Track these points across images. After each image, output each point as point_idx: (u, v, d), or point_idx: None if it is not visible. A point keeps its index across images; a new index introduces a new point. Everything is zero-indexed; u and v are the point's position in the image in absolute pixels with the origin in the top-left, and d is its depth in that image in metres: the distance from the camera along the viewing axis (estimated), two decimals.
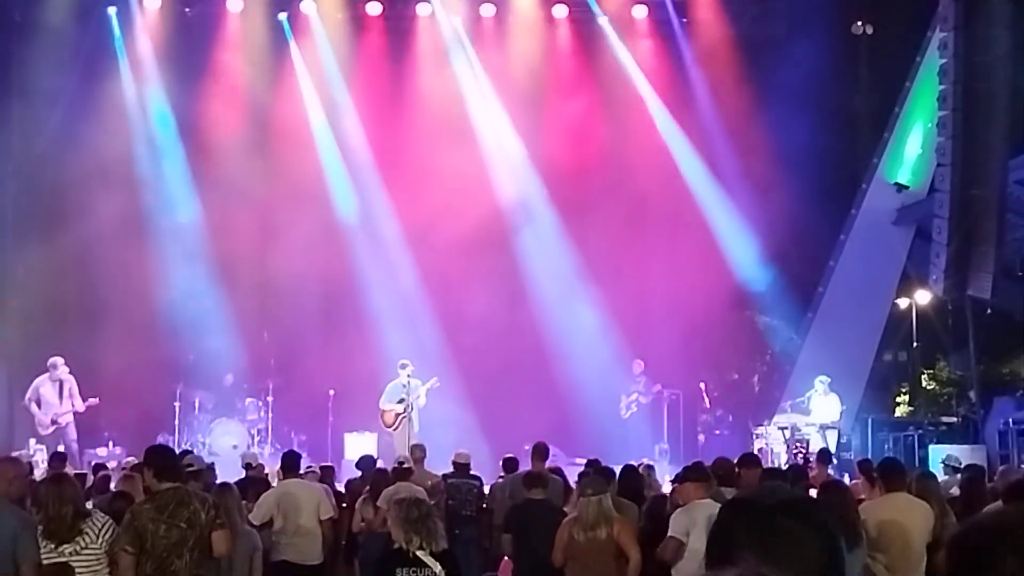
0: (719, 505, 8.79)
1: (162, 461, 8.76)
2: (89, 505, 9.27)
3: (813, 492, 10.86)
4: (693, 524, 9.27)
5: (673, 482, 11.95)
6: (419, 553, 7.83)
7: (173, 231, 22.14)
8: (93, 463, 17.02)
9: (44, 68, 21.45)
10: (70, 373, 19.21)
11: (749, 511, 2.32)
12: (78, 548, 8.16)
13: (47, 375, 19.13)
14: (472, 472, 15.24)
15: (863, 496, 11.71)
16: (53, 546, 8.14)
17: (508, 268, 22.12)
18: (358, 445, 19.58)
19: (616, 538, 9.56)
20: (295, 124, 22.93)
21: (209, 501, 8.57)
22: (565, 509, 10.92)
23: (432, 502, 12.03)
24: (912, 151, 22.62)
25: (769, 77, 21.94)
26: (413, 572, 7.83)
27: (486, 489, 15.37)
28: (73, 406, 19.14)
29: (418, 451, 15.04)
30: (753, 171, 22.05)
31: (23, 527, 8.23)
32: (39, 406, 19.05)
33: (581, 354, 21.57)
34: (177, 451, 13.77)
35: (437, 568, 7.81)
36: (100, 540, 8.22)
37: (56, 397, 19.12)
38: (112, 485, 12.17)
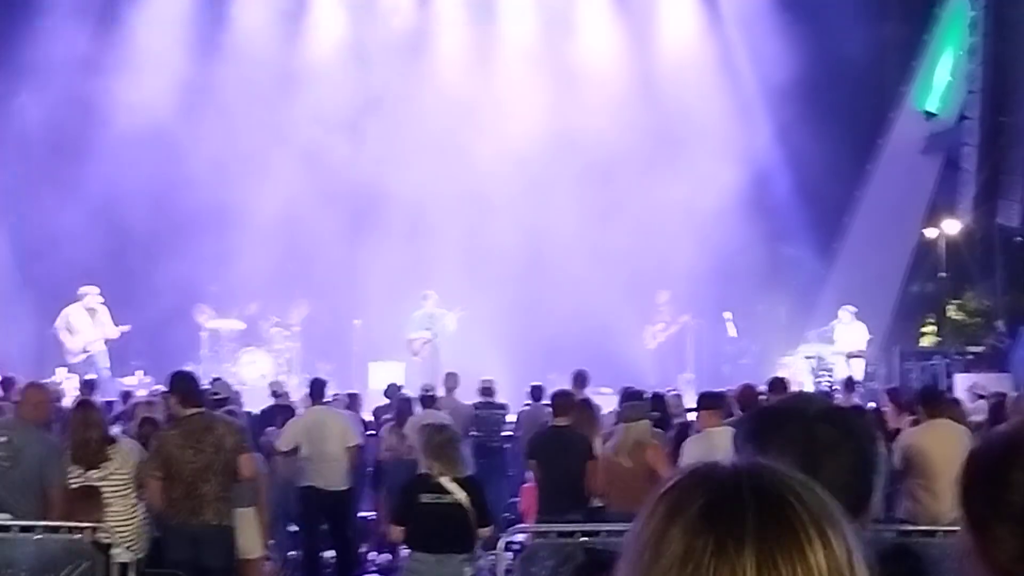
0: (723, 430, 8.83)
1: (185, 386, 8.82)
2: (117, 431, 9.36)
3: None
4: (707, 452, 9.30)
5: (692, 410, 11.99)
6: (442, 479, 7.87)
7: (198, 163, 22.13)
8: (122, 391, 17.18)
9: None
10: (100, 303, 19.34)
11: (789, 419, 2.33)
12: (105, 473, 8.25)
13: (79, 303, 19.24)
14: (496, 400, 15.32)
15: (892, 425, 11.74)
16: (81, 471, 8.24)
17: (531, 199, 22.04)
18: (383, 374, 19.66)
19: (652, 463, 9.62)
20: (311, 59, 22.94)
21: (235, 425, 8.64)
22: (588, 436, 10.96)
23: (460, 429, 12.16)
24: (941, 79, 22.34)
25: (797, 6, 21.70)
26: (436, 498, 7.88)
27: (511, 417, 15.46)
28: (105, 333, 19.26)
29: (451, 380, 15.18)
30: (780, 100, 21.85)
31: (50, 452, 8.34)
32: (70, 333, 19.18)
33: (606, 284, 21.51)
34: (206, 380, 13.88)
35: (460, 494, 7.85)
36: (127, 465, 8.30)
37: (87, 325, 19.24)
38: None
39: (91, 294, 19.27)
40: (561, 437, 10.71)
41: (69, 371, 18.80)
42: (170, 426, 8.78)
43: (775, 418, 2.40)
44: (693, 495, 1.48)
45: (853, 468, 2.31)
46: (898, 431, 11.05)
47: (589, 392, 14.91)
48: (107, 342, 19.41)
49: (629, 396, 12.05)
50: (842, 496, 2.26)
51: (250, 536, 9.33)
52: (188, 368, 19.41)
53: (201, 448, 8.30)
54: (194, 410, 8.56)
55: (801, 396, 2.64)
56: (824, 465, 2.27)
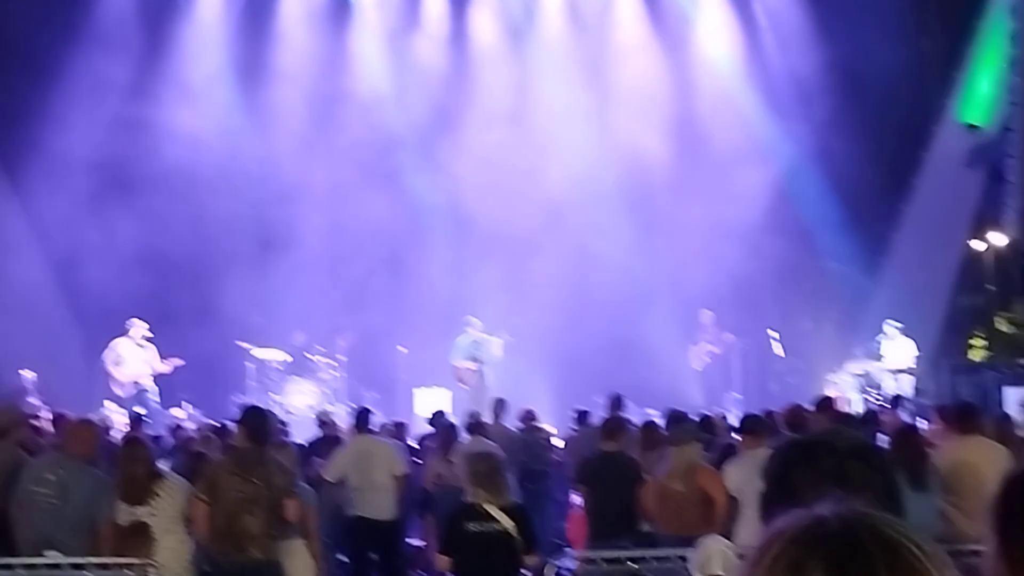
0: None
1: (256, 423, 8.80)
2: (165, 466, 9.40)
3: (885, 438, 10.81)
4: (751, 475, 9.28)
5: (734, 432, 11.93)
6: (488, 507, 7.86)
7: (240, 191, 22.30)
8: (171, 425, 17.26)
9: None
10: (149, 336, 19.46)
11: (819, 454, 2.34)
12: (153, 510, 8.28)
13: (127, 336, 19.36)
14: (539, 424, 15.31)
15: (937, 441, 11.62)
16: (129, 507, 8.27)
17: (576, 221, 22.05)
18: (428, 400, 19.69)
19: (703, 486, 9.59)
20: (355, 86, 23.02)
21: (286, 467, 8.63)
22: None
23: (506, 455, 12.15)
24: (984, 91, 22.19)
25: (836, 19, 21.64)
26: (482, 526, 7.87)
27: (556, 442, 15.43)
28: (154, 367, 19.35)
29: (500, 406, 15.18)
30: (821, 115, 21.77)
31: (99, 488, 8.39)
32: (118, 367, 19.27)
33: (650, 305, 21.48)
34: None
35: (507, 522, 7.84)
36: (175, 502, 8.33)
37: (136, 358, 19.34)
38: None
39: (139, 327, 19.39)
40: (611, 462, 10.66)
41: (120, 406, 18.91)
42: (225, 455, 8.80)
43: (806, 452, 2.40)
44: (814, 552, 1.46)
45: (881, 503, 2.30)
46: None
47: (635, 415, 14.87)
48: (156, 376, 19.50)
49: (676, 419, 11.99)
50: None
51: (301, 568, 9.33)
52: (236, 401, 19.75)
53: (249, 479, 8.29)
54: (253, 444, 8.56)
55: (832, 431, 2.65)
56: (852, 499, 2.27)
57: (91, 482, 8.49)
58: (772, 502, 2.37)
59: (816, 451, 2.36)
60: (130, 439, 9.46)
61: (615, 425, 11.26)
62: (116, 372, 19.29)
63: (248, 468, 8.33)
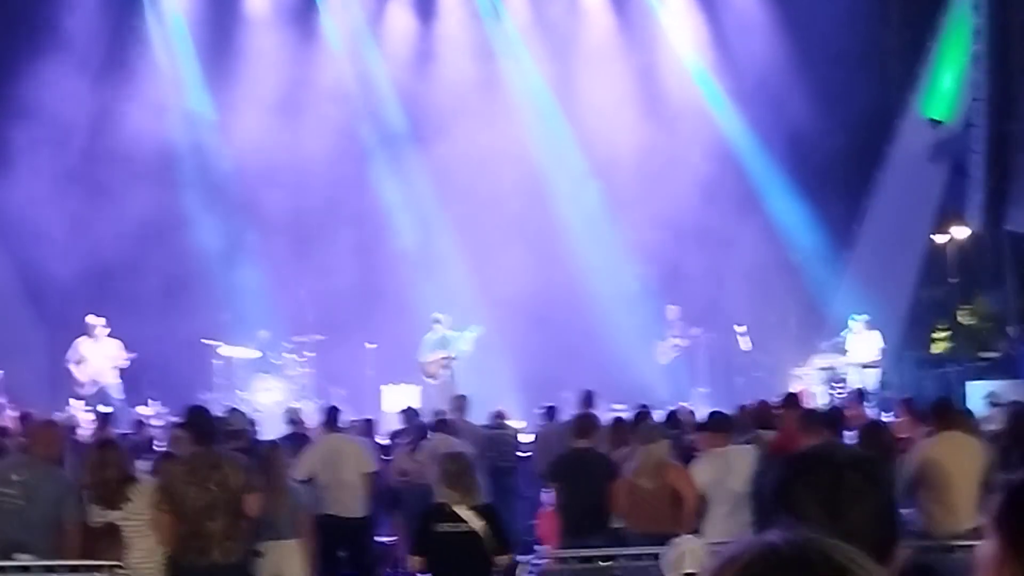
0: (741, 448, 8.89)
1: (198, 422, 8.80)
2: (143, 466, 9.35)
3: (851, 432, 10.90)
4: (715, 470, 9.37)
5: (697, 429, 11.95)
6: (458, 508, 7.87)
7: (207, 189, 22.21)
8: (135, 420, 17.18)
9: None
10: (109, 334, 19.36)
11: (817, 466, 2.40)
12: (124, 515, 8.25)
13: (86, 335, 19.27)
14: (508, 421, 15.33)
15: (904, 435, 11.74)
16: (100, 508, 8.24)
17: (543, 217, 22.09)
18: (396, 397, 19.68)
19: (672, 483, 9.62)
20: (324, 82, 22.94)
21: (240, 464, 8.61)
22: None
23: (473, 451, 12.16)
24: (946, 86, 22.34)
25: (799, 16, 21.74)
26: (453, 527, 7.87)
27: (523, 438, 15.45)
28: (114, 363, 19.26)
29: (460, 401, 15.15)
30: (785, 110, 21.86)
31: (65, 489, 8.37)
32: (79, 365, 19.17)
33: (616, 301, 21.54)
34: (222, 409, 13.89)
35: (477, 522, 7.84)
36: (147, 505, 8.29)
37: (95, 356, 19.25)
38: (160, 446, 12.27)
39: (96, 323, 19.29)
40: (583, 459, 10.67)
41: (86, 405, 18.82)
42: (177, 461, 8.78)
43: (804, 465, 2.45)
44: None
45: (879, 516, 2.35)
46: (912, 442, 11.03)
47: (602, 411, 14.90)
48: (119, 372, 19.41)
49: (643, 416, 12.06)
50: (868, 543, 2.32)
51: (294, 568, 9.33)
52: (203, 398, 19.65)
53: (206, 486, 8.27)
54: (202, 447, 8.54)
55: (830, 443, 2.73)
56: (850, 511, 2.34)
57: (57, 483, 8.46)
58: (772, 514, 2.42)
59: (814, 464, 2.41)
60: (103, 442, 9.43)
61: (586, 422, 11.24)
62: (77, 371, 19.19)
63: (203, 475, 8.30)
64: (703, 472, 9.53)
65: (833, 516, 2.31)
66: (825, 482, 2.35)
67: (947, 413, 10.08)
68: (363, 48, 23.26)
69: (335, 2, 23.41)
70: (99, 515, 8.23)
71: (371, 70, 23.11)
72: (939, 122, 22.38)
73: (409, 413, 15.29)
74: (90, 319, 19.29)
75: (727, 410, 12.31)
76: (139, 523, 8.26)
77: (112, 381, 19.33)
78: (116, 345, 19.33)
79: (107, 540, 7.88)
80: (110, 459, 8.40)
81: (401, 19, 23.54)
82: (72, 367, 19.21)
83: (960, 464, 9.42)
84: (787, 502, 2.37)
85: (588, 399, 14.02)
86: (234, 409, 14.76)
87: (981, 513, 8.92)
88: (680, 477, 9.67)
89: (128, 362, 19.41)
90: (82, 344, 19.29)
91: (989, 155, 18.88)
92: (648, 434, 10.08)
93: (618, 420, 12.44)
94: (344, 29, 23.36)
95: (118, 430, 15.34)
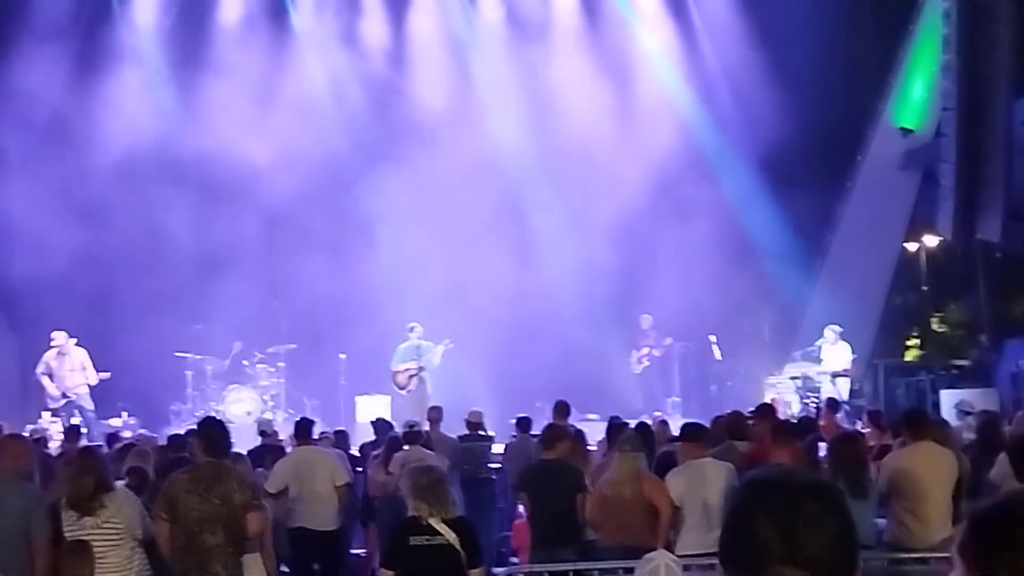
0: (716, 463, 8.90)
1: (211, 433, 8.72)
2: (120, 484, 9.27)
3: (823, 442, 10.91)
4: (690, 483, 9.35)
5: (673, 440, 11.93)
6: (431, 521, 7.83)
7: (179, 199, 22.11)
8: (107, 434, 17.08)
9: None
10: (79, 345, 19.22)
11: (773, 492, 2.38)
12: (99, 522, 8.18)
13: (56, 349, 19.12)
14: (484, 432, 15.29)
15: (872, 443, 11.78)
16: (75, 517, 8.18)
17: (516, 227, 22.09)
18: (370, 408, 19.64)
19: (647, 495, 9.59)
20: (298, 91, 22.88)
21: (247, 481, 8.55)
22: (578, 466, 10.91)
23: (448, 463, 12.13)
24: (917, 95, 22.46)
25: (771, 24, 21.81)
26: (426, 540, 7.83)
27: (498, 448, 15.42)
28: (87, 379, 19.13)
29: (434, 412, 15.11)
30: (756, 119, 21.92)
31: (32, 502, 8.30)
32: (51, 379, 19.06)
33: (589, 310, 21.54)
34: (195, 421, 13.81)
35: (450, 536, 7.80)
36: (121, 514, 8.23)
37: (64, 369, 19.10)
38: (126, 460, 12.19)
39: (61, 339, 19.13)
40: (551, 470, 10.62)
41: (53, 416, 18.72)
42: (183, 470, 8.72)
43: (759, 490, 2.42)
44: None
45: (837, 543, 2.33)
46: (880, 452, 11.07)
47: (576, 420, 14.87)
48: (90, 385, 19.26)
49: (617, 427, 12.03)
50: (826, 570, 2.31)
51: None
52: (175, 409, 19.59)
53: (207, 498, 8.21)
54: (210, 458, 8.48)
55: (787, 467, 2.70)
56: (806, 539, 2.31)
57: (24, 497, 8.38)
58: (732, 543, 2.40)
59: (771, 490, 2.39)
60: (83, 449, 9.43)
61: (554, 433, 11.18)
62: (47, 384, 19.05)
63: (206, 486, 8.25)
64: (677, 484, 9.51)
65: (789, 543, 2.29)
66: (782, 509, 2.33)
67: (918, 423, 10.09)
68: (337, 57, 23.19)
69: (306, 9, 23.39)
70: (74, 523, 8.17)
71: (344, 79, 23.03)
72: (910, 131, 22.51)
73: (380, 424, 15.24)
74: (55, 335, 19.11)
75: (701, 420, 12.31)
76: (112, 532, 8.19)
77: (83, 392, 19.18)
78: (85, 355, 19.18)
79: (76, 556, 7.79)
80: (87, 465, 8.35)
81: (374, 26, 23.49)
82: (44, 380, 19.06)
83: (932, 475, 9.44)
84: (744, 528, 2.35)
85: (564, 410, 13.98)
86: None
87: (953, 524, 9.00)
88: (655, 489, 9.64)
89: (99, 381, 19.23)
90: (49, 358, 19.11)
91: (960, 164, 18.96)
92: (624, 444, 10.04)
93: (578, 432, 12.36)
94: (317, 36, 23.31)
95: (89, 443, 15.24)
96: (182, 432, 13.79)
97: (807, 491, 2.36)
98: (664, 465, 10.83)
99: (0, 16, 21.72)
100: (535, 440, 12.24)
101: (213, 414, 17.82)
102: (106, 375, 19.21)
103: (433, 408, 15.60)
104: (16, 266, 20.82)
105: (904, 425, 10.34)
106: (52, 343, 19.12)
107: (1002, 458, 9.04)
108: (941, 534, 9.02)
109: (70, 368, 19.09)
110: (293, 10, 23.38)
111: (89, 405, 19.24)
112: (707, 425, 11.60)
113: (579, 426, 13.76)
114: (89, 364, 19.16)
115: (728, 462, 9.77)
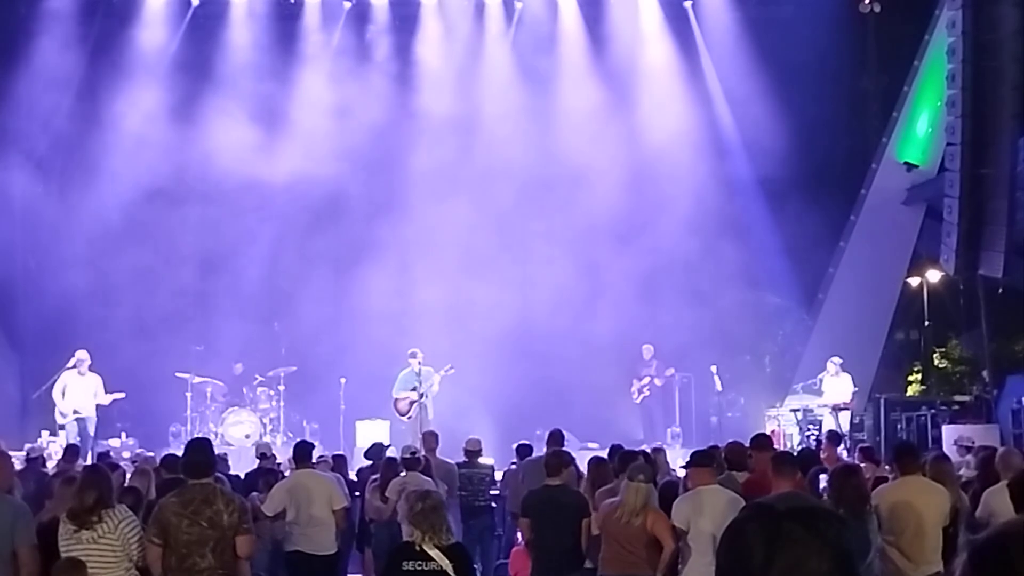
0: (724, 491, 8.82)
1: (199, 458, 8.71)
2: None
3: (824, 475, 10.85)
4: (697, 510, 9.27)
5: (684, 467, 11.91)
6: (426, 547, 7.79)
7: (183, 222, 22.14)
8: (98, 452, 17.01)
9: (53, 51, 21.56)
10: (92, 370, 19.17)
11: (760, 515, 2.41)
12: (96, 536, 8.18)
13: (75, 368, 18.98)
14: (483, 459, 15.24)
15: (868, 475, 11.74)
16: (73, 530, 8.18)
17: (517, 256, 22.10)
18: (370, 432, 19.59)
19: (651, 528, 9.53)
20: (303, 114, 22.92)
21: (235, 503, 8.53)
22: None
23: (445, 488, 12.09)
24: (921, 130, 22.53)
25: (777, 58, 21.87)
26: (419, 565, 7.79)
27: (498, 475, 15.36)
28: (97, 399, 19.04)
29: (432, 439, 15.02)
30: (761, 152, 21.96)
31: (17, 513, 8.32)
32: (63, 398, 18.92)
33: (591, 339, 21.52)
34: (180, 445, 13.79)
35: (444, 562, 7.76)
36: (118, 532, 8.22)
37: (79, 389, 18.98)
38: (126, 480, 12.16)
39: (84, 357, 19.09)
40: (555, 496, 10.58)
41: (51, 434, 18.67)
42: (172, 493, 8.70)
43: (751, 510, 2.45)
44: None
45: (830, 571, 2.32)
46: (875, 485, 11.02)
47: (575, 449, 14.83)
48: (97, 407, 19.17)
49: (624, 457, 11.96)
50: None
51: None
52: (174, 431, 19.52)
53: (196, 520, 8.20)
54: (198, 481, 8.47)
55: (784, 493, 2.72)
56: (782, 558, 2.32)
57: (8, 508, 8.39)
58: (725, 559, 2.42)
59: (759, 511, 2.40)
60: (92, 465, 9.45)
61: (558, 459, 11.15)
62: (60, 403, 18.96)
63: (195, 508, 8.23)
64: (685, 508, 9.45)
65: (767, 561, 2.32)
66: (766, 529, 2.36)
67: (907, 457, 10.03)
68: (342, 80, 23.21)
69: (313, 29, 23.49)
70: (71, 536, 8.16)
71: (348, 104, 23.03)
72: (914, 165, 22.56)
73: (376, 448, 15.18)
74: (79, 354, 19.03)
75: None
76: (107, 550, 8.18)
77: (90, 414, 19.09)
78: (99, 382, 19.10)
79: (69, 573, 7.78)
80: (93, 481, 8.35)
81: (380, 49, 23.56)
82: (57, 398, 18.93)
83: (919, 509, 9.39)
84: (734, 545, 2.39)
85: (557, 438, 13.93)
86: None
87: (945, 558, 8.96)
88: (659, 523, 9.58)
89: (111, 402, 19.17)
90: (67, 376, 19.01)
91: (963, 200, 18.96)
92: (634, 473, 9.98)
93: (599, 459, 12.35)
94: (323, 59, 23.38)
95: (84, 462, 15.20)
96: (178, 453, 13.74)
97: (790, 515, 2.37)
98: (666, 495, 10.79)
99: (7, 37, 21.78)
100: (535, 467, 12.20)
101: (207, 435, 17.84)
102: (120, 395, 19.14)
103: (429, 434, 15.50)
104: (18, 287, 20.83)
105: (893, 459, 10.32)
106: (72, 363, 18.98)
107: (993, 490, 9.06)
108: (929, 568, 8.98)
109: (84, 390, 18.98)
110: (299, 31, 23.42)
111: (91, 430, 19.11)
112: (720, 448, 11.57)
113: (579, 455, 13.70)
114: (102, 391, 19.05)
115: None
